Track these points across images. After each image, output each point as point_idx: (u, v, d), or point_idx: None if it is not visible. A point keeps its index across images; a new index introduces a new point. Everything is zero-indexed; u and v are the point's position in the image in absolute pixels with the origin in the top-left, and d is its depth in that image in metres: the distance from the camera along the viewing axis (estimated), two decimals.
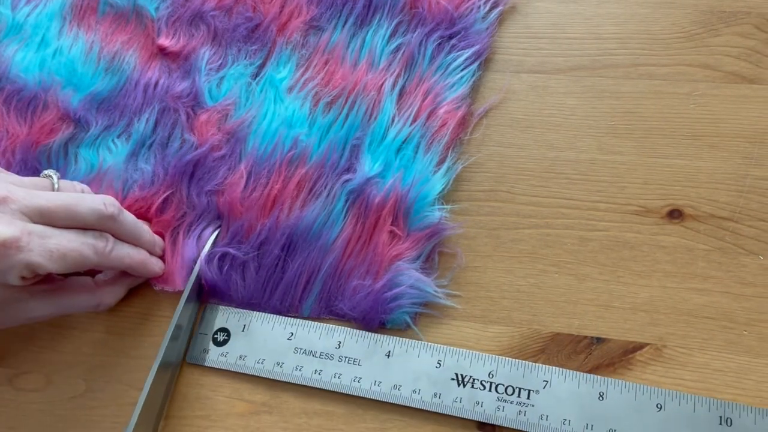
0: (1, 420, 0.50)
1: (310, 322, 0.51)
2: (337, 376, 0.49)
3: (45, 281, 0.48)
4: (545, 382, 0.47)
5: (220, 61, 0.61)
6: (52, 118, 0.59)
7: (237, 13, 0.63)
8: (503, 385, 0.47)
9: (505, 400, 0.46)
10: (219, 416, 0.49)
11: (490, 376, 0.47)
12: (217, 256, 0.53)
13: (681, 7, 0.57)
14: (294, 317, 0.52)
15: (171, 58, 0.62)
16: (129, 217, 0.50)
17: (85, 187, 0.52)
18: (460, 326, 0.50)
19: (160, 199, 0.55)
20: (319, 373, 0.49)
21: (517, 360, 0.48)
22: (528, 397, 0.46)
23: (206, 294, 0.53)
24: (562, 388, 0.46)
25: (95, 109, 0.60)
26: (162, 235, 0.55)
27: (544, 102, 0.56)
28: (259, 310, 0.52)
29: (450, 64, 0.58)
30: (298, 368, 0.49)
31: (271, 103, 0.58)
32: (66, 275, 0.50)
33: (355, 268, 0.52)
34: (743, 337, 0.47)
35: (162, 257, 0.54)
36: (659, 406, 0.45)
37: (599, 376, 0.46)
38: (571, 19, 0.58)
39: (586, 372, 0.47)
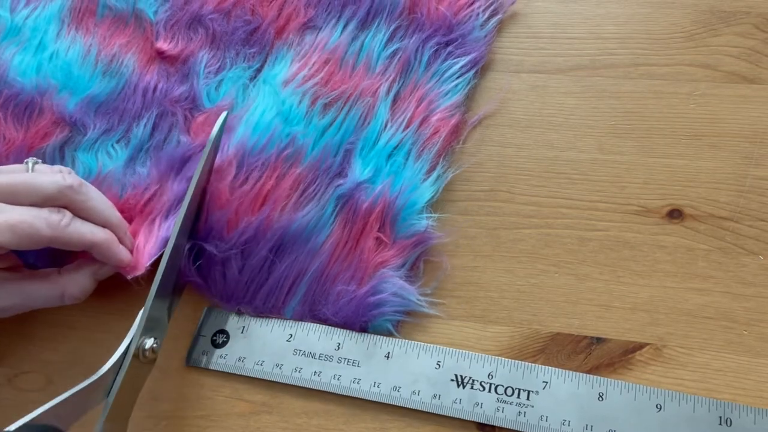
0: (1, 420, 0.50)
1: (309, 323, 0.51)
2: (337, 377, 0.48)
3: (9, 270, 0.49)
4: (545, 383, 0.47)
5: (218, 64, 0.61)
6: (46, 123, 0.59)
7: (235, 17, 0.63)
8: (503, 386, 0.47)
9: (504, 401, 0.46)
10: (219, 416, 0.49)
11: (490, 377, 0.47)
12: (193, 251, 0.53)
13: (681, 7, 0.57)
14: (277, 317, 0.52)
15: (169, 62, 0.62)
16: (95, 192, 0.50)
17: (65, 168, 0.51)
18: (460, 326, 0.50)
19: (149, 195, 0.55)
20: (319, 375, 0.49)
21: (516, 361, 0.48)
22: (528, 398, 0.46)
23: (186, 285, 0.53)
24: (562, 389, 0.46)
25: (93, 113, 0.60)
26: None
27: (544, 102, 0.56)
28: (238, 309, 0.52)
29: (446, 71, 0.58)
30: (298, 370, 0.49)
31: (264, 96, 0.58)
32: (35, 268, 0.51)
33: (340, 274, 0.52)
34: (743, 337, 0.47)
35: (132, 251, 0.53)
36: (659, 406, 0.45)
37: (599, 377, 0.46)
38: (571, 18, 0.58)
39: (586, 372, 0.47)
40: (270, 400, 0.49)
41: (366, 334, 0.50)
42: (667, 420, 0.44)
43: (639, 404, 0.45)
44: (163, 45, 0.63)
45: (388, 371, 0.48)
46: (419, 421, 0.47)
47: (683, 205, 0.51)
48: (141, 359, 0.47)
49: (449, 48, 0.59)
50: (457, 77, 0.58)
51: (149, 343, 0.47)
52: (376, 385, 0.48)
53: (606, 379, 0.46)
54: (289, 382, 0.49)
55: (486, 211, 0.53)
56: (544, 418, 0.45)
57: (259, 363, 0.50)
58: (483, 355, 0.48)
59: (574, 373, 0.47)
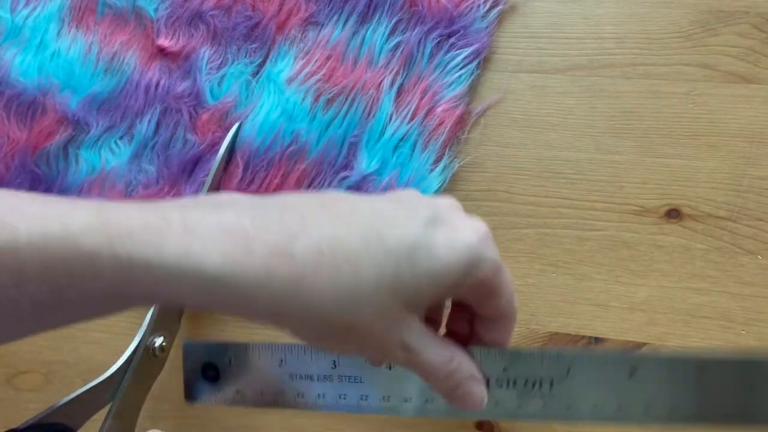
0: (1, 420, 0.50)
1: (296, 345, 0.47)
2: (342, 397, 0.45)
3: None
4: (567, 369, 0.41)
5: (220, 60, 0.61)
6: (50, 122, 0.59)
7: (236, 12, 0.63)
8: (521, 378, 0.42)
9: (526, 395, 0.42)
10: (219, 416, 0.49)
11: (505, 371, 0.42)
12: None
13: (679, 7, 0.56)
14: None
15: (171, 59, 0.62)
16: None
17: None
18: None
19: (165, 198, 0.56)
20: (323, 397, 0.45)
21: (532, 349, 0.44)
22: (551, 388, 0.42)
23: None
24: (587, 372, 0.41)
25: (95, 111, 0.60)
26: None
27: (543, 102, 0.56)
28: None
29: (449, 62, 0.58)
30: (300, 395, 0.45)
31: (269, 95, 0.58)
32: None
33: None
34: (741, 336, 0.47)
35: None
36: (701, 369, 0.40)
37: (626, 352, 0.43)
38: (569, 18, 0.58)
39: None
40: None
41: None
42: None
43: (673, 372, 0.40)
44: (164, 42, 0.63)
45: (394, 382, 0.44)
46: (419, 420, 0.47)
47: (681, 204, 0.51)
48: (150, 358, 0.47)
49: (451, 40, 0.59)
50: (460, 68, 0.58)
51: (158, 341, 0.48)
52: (386, 399, 0.44)
53: (634, 353, 0.44)
54: (294, 408, 0.46)
55: (484, 210, 0.53)
56: (572, 407, 0.41)
57: (259, 393, 0.46)
58: (494, 349, 0.44)
59: (599, 353, 0.42)
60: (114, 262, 0.31)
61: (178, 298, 0.33)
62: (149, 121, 0.59)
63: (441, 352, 0.38)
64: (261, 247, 0.33)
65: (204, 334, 0.53)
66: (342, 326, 0.35)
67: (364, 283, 0.34)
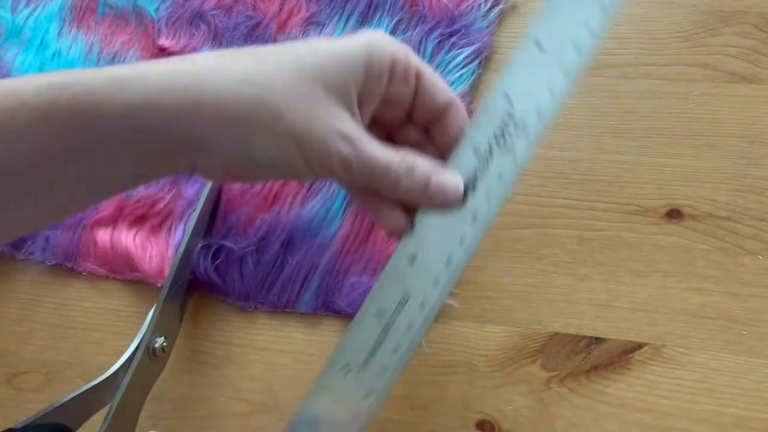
0: (1, 420, 0.50)
1: (321, 373, 0.42)
2: (395, 350, 0.40)
3: None
4: (506, 96, 0.42)
5: None
6: None
7: (237, 12, 0.63)
8: (484, 144, 0.42)
9: (501, 155, 0.41)
10: (219, 416, 0.49)
11: (477, 152, 0.42)
12: (212, 250, 0.53)
13: (680, 7, 0.56)
14: (291, 311, 0.52)
15: None
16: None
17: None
18: (459, 326, 0.50)
19: (164, 202, 0.56)
20: (371, 398, 0.40)
21: (474, 117, 0.43)
22: (514, 124, 0.41)
23: (199, 286, 0.53)
24: (517, 78, 0.42)
25: None
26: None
27: None
28: (255, 305, 0.52)
29: (450, 62, 0.58)
30: (366, 396, 0.40)
31: None
32: None
33: (352, 265, 0.52)
34: (742, 336, 0.47)
35: None
36: None
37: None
38: None
39: (585, 372, 0.47)
40: (270, 400, 0.49)
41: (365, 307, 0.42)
42: None
43: None
44: (165, 42, 0.63)
45: (422, 276, 0.41)
46: (418, 420, 0.47)
47: (682, 204, 0.51)
48: (150, 358, 0.47)
49: (452, 39, 0.59)
50: (462, 68, 0.57)
51: (159, 342, 0.48)
52: (409, 329, 0.40)
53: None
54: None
55: None
56: (540, 112, 0.41)
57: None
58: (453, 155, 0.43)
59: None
60: (36, 92, 0.35)
61: (95, 105, 0.36)
62: None
63: (389, 149, 0.40)
64: (165, 60, 0.38)
65: (204, 334, 0.53)
66: (260, 104, 0.37)
67: (267, 64, 0.38)
